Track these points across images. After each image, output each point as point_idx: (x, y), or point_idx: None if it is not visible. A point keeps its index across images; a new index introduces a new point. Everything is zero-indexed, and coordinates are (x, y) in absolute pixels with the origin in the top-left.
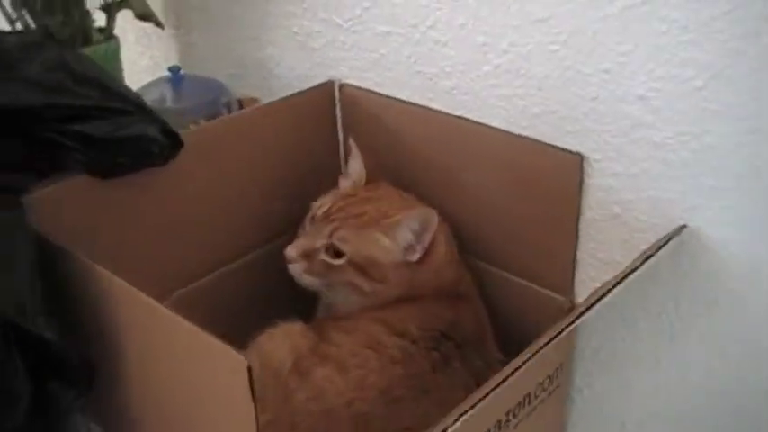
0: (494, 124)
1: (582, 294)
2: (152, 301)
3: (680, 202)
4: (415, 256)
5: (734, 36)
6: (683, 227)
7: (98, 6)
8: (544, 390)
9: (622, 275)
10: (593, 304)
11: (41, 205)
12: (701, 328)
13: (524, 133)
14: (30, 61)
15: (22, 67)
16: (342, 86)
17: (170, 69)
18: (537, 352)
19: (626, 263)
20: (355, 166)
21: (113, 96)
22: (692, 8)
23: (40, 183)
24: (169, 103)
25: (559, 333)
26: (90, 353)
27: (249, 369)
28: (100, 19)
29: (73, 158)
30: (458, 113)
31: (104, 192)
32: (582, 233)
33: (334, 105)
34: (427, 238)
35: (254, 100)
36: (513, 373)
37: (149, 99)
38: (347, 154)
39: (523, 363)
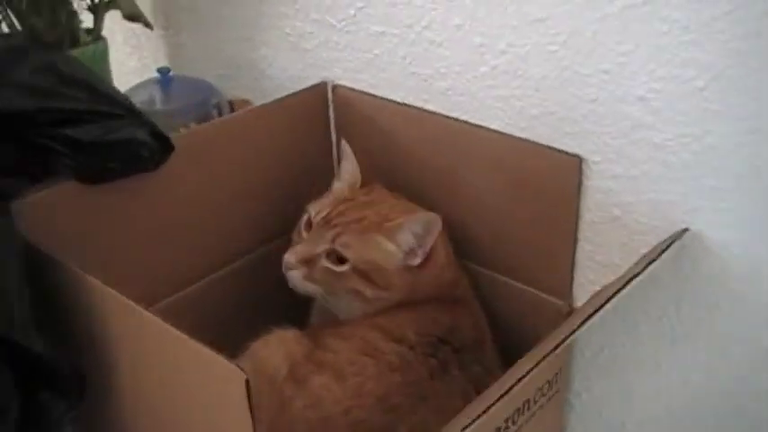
0: (491, 126)
1: (580, 298)
2: (145, 311)
3: (681, 204)
4: (417, 261)
5: (735, 36)
6: (685, 230)
7: (85, 7)
8: (543, 395)
9: (625, 280)
10: (596, 310)
11: (31, 211)
12: (702, 331)
13: (522, 135)
14: (18, 65)
15: (10, 72)
16: (335, 88)
17: (159, 71)
18: (540, 361)
19: (626, 266)
20: (349, 169)
21: (102, 99)
22: (693, 8)
23: (31, 188)
24: (158, 105)
25: (563, 341)
26: (81, 363)
27: (247, 382)
28: (87, 20)
29: (62, 163)
30: (453, 115)
31: (95, 197)
32: (580, 236)
33: (328, 107)
34: (429, 242)
35: (246, 101)
36: (516, 383)
37: (138, 101)
38: (340, 156)
39: (527, 372)
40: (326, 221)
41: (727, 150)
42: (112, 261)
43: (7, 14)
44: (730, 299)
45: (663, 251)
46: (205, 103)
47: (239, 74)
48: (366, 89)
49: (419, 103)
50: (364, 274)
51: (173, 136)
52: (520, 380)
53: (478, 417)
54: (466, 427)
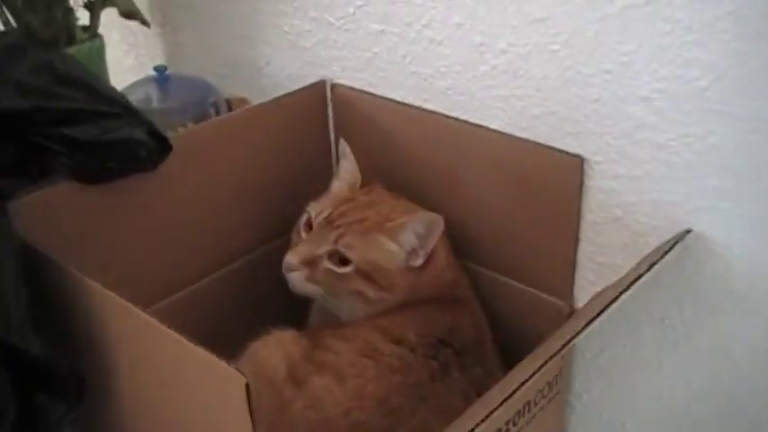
0: (491, 126)
1: (581, 299)
2: (144, 314)
3: (684, 204)
4: (419, 261)
5: (738, 36)
6: (688, 231)
7: (81, 4)
8: (544, 397)
9: (628, 282)
10: (599, 313)
11: (28, 211)
12: (705, 332)
13: (523, 135)
14: (13, 63)
15: (6, 70)
16: (334, 86)
17: (156, 69)
18: (543, 365)
19: (627, 267)
20: (348, 169)
21: (99, 98)
22: (696, 8)
23: (28, 188)
24: (155, 104)
25: (566, 344)
26: (80, 365)
27: (247, 385)
28: (83, 17)
29: (59, 163)
30: (453, 115)
31: (92, 197)
32: (582, 236)
33: (326, 106)
34: (431, 243)
35: (244, 100)
36: (519, 387)
37: (135, 99)
38: (339, 156)
39: (530, 377)
40: (328, 222)
41: (730, 150)
42: (111, 261)
43: (2, 11)
44: (733, 300)
45: (666, 252)
46: (202, 102)
47: (237, 72)
48: (365, 88)
49: (419, 103)
50: (367, 275)
51: (171, 135)
52: (523, 383)
53: (482, 421)
54: (468, 431)
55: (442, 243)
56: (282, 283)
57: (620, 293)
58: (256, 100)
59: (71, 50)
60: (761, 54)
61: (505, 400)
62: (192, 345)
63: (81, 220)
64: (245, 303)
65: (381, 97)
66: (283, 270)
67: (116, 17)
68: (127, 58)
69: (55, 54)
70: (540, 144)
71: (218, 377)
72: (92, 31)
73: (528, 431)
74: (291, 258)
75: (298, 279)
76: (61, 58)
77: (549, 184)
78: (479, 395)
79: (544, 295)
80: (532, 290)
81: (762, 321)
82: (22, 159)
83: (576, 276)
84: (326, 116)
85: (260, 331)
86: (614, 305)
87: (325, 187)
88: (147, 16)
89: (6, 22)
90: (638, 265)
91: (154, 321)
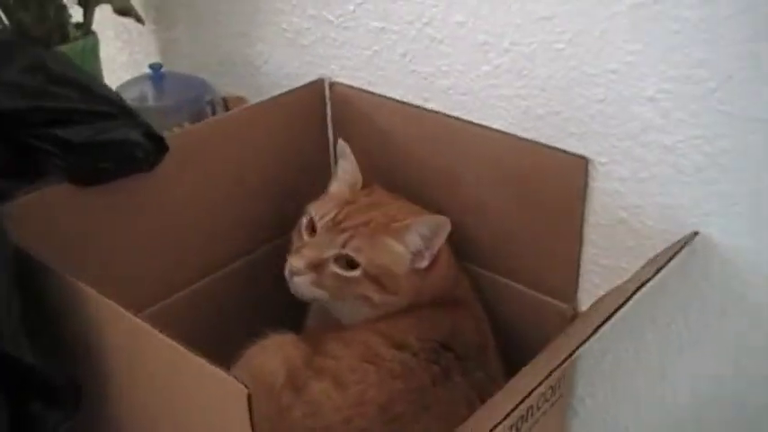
0: (494, 126)
1: (585, 302)
2: (142, 322)
3: (691, 208)
4: (425, 263)
5: (749, 36)
6: (696, 234)
7: (75, 1)
8: (546, 401)
9: (636, 286)
10: (607, 318)
11: (22, 213)
12: (711, 338)
13: (526, 135)
14: (6, 63)
15: None
16: (332, 85)
17: (151, 66)
18: (550, 374)
19: (631, 269)
20: (349, 169)
21: (94, 98)
22: (705, 7)
23: (22, 190)
24: (150, 102)
25: (573, 352)
26: (77, 373)
27: (249, 397)
28: (77, 14)
29: (53, 164)
30: (455, 114)
31: (88, 199)
32: (586, 239)
33: (325, 105)
34: (437, 245)
35: (241, 98)
36: (526, 397)
37: (129, 97)
38: (338, 156)
39: (536, 386)
40: (335, 224)
41: (739, 153)
42: (107, 264)
43: None
44: (740, 305)
45: (673, 256)
46: (198, 100)
47: (234, 70)
48: (365, 87)
49: (419, 102)
50: (375, 279)
51: (167, 136)
52: (530, 393)
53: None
54: None
55: (444, 244)
56: (281, 283)
57: (628, 299)
58: (254, 99)
59: (64, 48)
60: None
61: (512, 411)
62: (191, 354)
63: (77, 222)
64: (244, 304)
65: (381, 96)
66: (287, 274)
67: (110, 14)
68: (121, 55)
69: (47, 53)
70: (543, 144)
71: (220, 388)
72: (85, 28)
73: None
74: (297, 262)
75: (303, 283)
76: (54, 57)
77: (552, 186)
78: (482, 400)
79: (547, 298)
80: (535, 292)
81: None
82: (16, 161)
83: (580, 279)
84: (325, 115)
85: (259, 332)
86: (622, 310)
87: (324, 187)
88: (141, 13)
89: None
90: (644, 268)
91: (151, 329)
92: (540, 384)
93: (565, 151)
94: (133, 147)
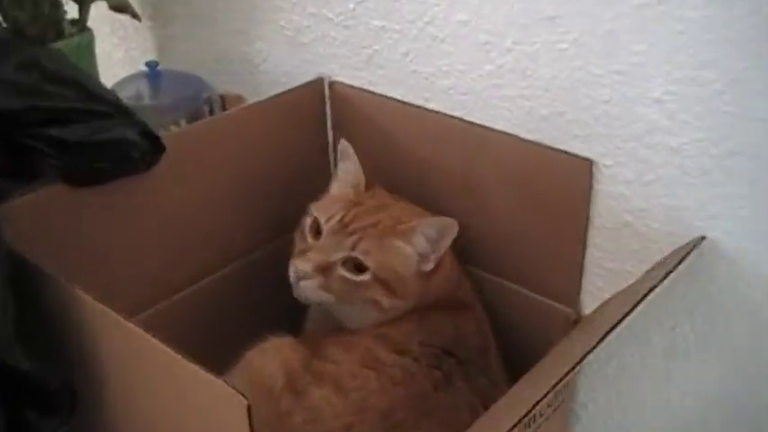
0: (496, 126)
1: (589, 305)
2: (137, 328)
3: (697, 210)
4: (430, 266)
5: (756, 37)
6: (703, 238)
7: None
8: (549, 406)
9: (643, 291)
10: (615, 325)
11: (17, 214)
12: (717, 343)
13: (529, 136)
14: (1, 61)
15: None
16: (332, 84)
17: (147, 64)
18: (556, 385)
19: (637, 273)
20: (351, 170)
21: (89, 97)
22: (711, 8)
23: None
24: (146, 100)
25: (580, 361)
26: (72, 379)
27: (249, 408)
28: (72, 11)
29: (48, 164)
30: (456, 115)
31: (84, 199)
32: (590, 242)
33: (324, 104)
34: (443, 247)
35: (239, 97)
36: (531, 410)
37: (125, 96)
38: (339, 156)
39: (541, 399)
40: (342, 226)
41: (746, 155)
42: (104, 265)
43: None
44: (747, 310)
45: (681, 260)
46: (195, 98)
47: (232, 68)
48: (365, 86)
49: (420, 102)
50: (384, 282)
51: (164, 135)
52: (536, 404)
53: None
54: None
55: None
56: (280, 284)
57: (635, 305)
58: (252, 98)
59: (59, 45)
60: None
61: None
62: (189, 363)
63: (73, 223)
64: (244, 304)
65: (381, 96)
66: (292, 278)
67: (106, 10)
68: (117, 52)
69: (42, 50)
70: (547, 146)
71: (219, 397)
72: (81, 24)
73: None
74: (303, 266)
75: (310, 288)
76: (49, 55)
77: (556, 188)
78: (485, 406)
79: (550, 301)
80: (538, 296)
81: None
82: (11, 161)
83: (584, 282)
84: (324, 115)
85: (257, 334)
86: (630, 316)
87: (324, 187)
88: (138, 9)
89: None
90: (651, 272)
91: (146, 334)
92: (544, 397)
93: (569, 153)
94: (129, 146)
